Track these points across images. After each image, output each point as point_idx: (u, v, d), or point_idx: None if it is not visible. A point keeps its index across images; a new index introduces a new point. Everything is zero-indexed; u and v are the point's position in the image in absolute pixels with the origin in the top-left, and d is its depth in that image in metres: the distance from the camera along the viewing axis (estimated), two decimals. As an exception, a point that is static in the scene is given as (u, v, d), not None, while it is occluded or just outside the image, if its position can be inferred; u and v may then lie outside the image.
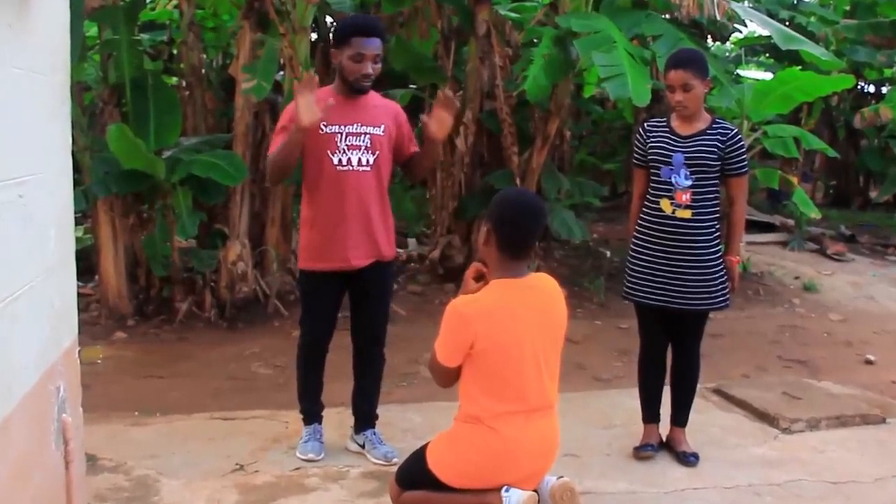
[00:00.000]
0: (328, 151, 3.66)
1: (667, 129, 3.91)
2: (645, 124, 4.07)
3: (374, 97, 3.82)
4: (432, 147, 3.80)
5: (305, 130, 3.50)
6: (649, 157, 3.92)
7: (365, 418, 4.01)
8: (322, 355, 4.00)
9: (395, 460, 3.72)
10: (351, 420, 4.07)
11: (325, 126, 3.65)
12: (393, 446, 3.90)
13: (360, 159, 3.68)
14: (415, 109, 13.98)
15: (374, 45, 3.62)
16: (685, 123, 3.87)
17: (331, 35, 3.75)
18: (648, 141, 3.95)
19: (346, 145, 3.67)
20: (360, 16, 3.93)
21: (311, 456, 3.86)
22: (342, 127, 3.67)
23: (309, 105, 3.46)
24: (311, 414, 4.02)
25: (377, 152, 3.71)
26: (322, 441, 3.96)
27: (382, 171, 3.76)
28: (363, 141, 3.68)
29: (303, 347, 4.00)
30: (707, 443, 4.17)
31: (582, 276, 8.17)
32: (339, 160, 3.67)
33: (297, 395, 4.06)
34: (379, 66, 3.69)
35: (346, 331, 6.49)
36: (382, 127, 3.73)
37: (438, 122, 3.70)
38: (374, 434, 3.96)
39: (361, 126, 3.68)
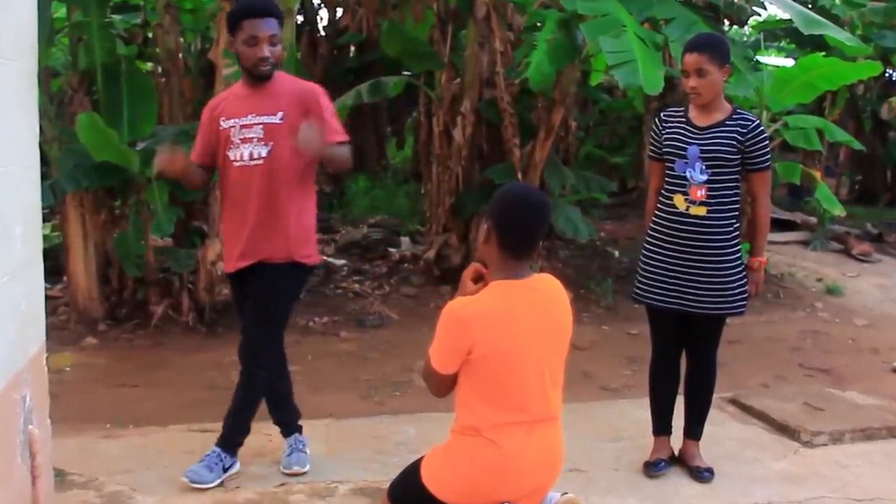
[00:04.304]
0: (226, 149, 3.70)
1: (683, 120, 3.92)
2: (661, 114, 4.08)
3: (283, 83, 3.73)
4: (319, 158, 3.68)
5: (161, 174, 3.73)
6: (664, 150, 3.93)
7: (221, 435, 3.84)
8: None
9: (198, 485, 3.65)
10: (339, 432, 4.07)
11: (224, 121, 3.69)
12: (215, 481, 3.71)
13: (251, 153, 3.65)
14: (409, 99, 14.03)
15: (268, 26, 3.60)
16: (703, 114, 3.88)
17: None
18: (664, 132, 3.96)
19: (240, 139, 3.66)
20: None
21: (295, 469, 3.87)
22: (237, 120, 3.67)
23: (167, 161, 3.66)
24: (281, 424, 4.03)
25: (271, 143, 3.63)
26: (306, 452, 3.96)
27: (279, 162, 3.64)
28: (255, 132, 3.65)
29: None
30: (722, 457, 4.18)
31: (588, 277, 8.19)
32: (235, 155, 3.68)
33: None
34: (278, 48, 3.66)
35: (334, 336, 6.61)
36: (280, 114, 3.64)
37: (303, 136, 3.49)
38: (210, 455, 3.77)
39: (255, 116, 3.65)
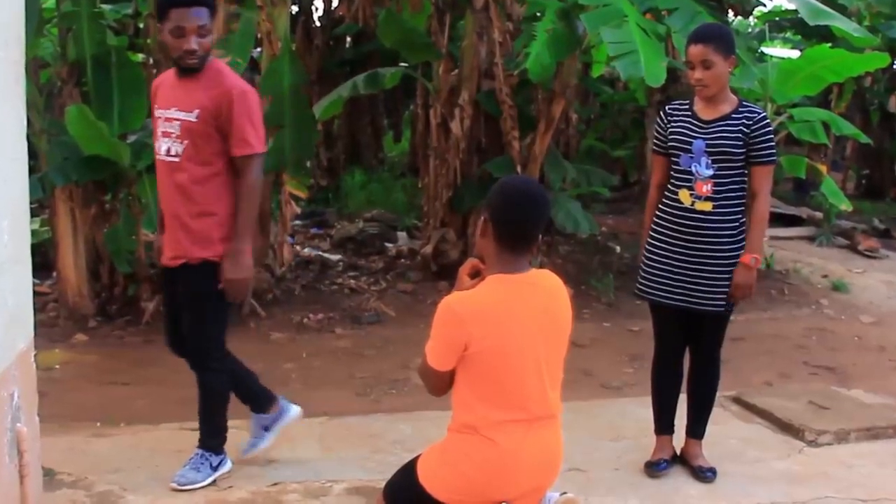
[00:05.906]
0: (154, 138, 3.70)
1: (689, 113, 3.91)
2: (666, 107, 4.06)
3: (211, 78, 3.60)
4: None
5: None
6: (669, 144, 3.93)
7: (200, 438, 3.87)
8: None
9: (188, 487, 3.70)
10: (334, 430, 4.08)
11: (157, 110, 3.68)
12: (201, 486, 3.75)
13: (169, 148, 3.61)
14: (406, 91, 13.99)
15: (196, 16, 3.48)
16: (708, 107, 3.86)
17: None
18: (669, 126, 3.94)
19: (161, 132, 3.64)
20: None
21: (246, 456, 3.92)
22: (162, 112, 3.64)
23: None
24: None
25: (185, 141, 3.57)
26: (261, 437, 3.98)
27: (194, 162, 3.58)
28: (174, 128, 3.59)
29: None
30: (725, 456, 4.19)
31: (589, 273, 8.19)
32: (157, 148, 3.67)
33: None
34: (207, 39, 3.55)
35: (329, 333, 6.61)
36: (196, 112, 3.55)
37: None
38: (194, 457, 3.81)
39: (176, 111, 3.59)
